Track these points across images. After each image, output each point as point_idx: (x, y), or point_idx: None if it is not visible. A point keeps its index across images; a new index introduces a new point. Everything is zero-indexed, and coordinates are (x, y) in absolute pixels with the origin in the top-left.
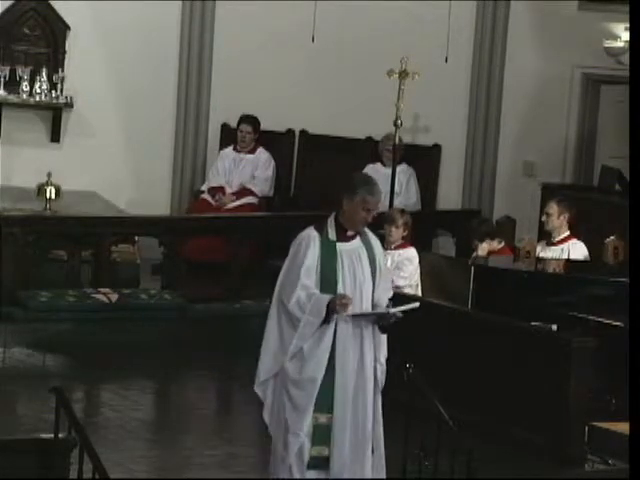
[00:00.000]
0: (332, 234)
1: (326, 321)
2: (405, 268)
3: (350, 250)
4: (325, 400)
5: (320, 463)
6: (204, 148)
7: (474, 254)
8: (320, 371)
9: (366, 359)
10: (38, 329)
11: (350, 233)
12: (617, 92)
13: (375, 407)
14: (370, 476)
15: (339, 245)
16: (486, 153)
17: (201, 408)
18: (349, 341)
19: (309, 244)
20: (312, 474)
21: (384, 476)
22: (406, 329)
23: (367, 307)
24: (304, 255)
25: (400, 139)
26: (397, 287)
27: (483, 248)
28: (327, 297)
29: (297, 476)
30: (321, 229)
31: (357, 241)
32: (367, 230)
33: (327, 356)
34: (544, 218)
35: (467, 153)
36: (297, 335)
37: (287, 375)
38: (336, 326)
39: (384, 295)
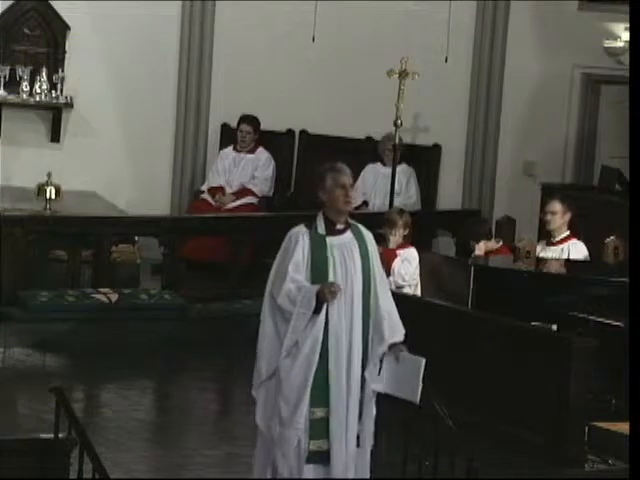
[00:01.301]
0: (321, 228)
1: (317, 311)
2: (406, 269)
3: (341, 244)
4: (320, 394)
5: (320, 458)
6: (204, 148)
7: (473, 254)
8: (313, 361)
9: (354, 350)
10: (38, 329)
11: (340, 227)
12: (617, 92)
13: (365, 401)
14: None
15: (329, 239)
16: (486, 153)
17: (201, 408)
18: (341, 333)
19: (298, 239)
20: (310, 469)
21: (367, 476)
22: (406, 329)
23: (358, 301)
24: (293, 250)
25: (400, 139)
26: (397, 287)
27: (480, 248)
28: (316, 287)
29: (295, 472)
30: (311, 226)
31: (348, 235)
32: (359, 224)
33: (319, 347)
34: (548, 217)
35: (467, 153)
36: (290, 329)
37: (280, 370)
38: (327, 317)
39: (389, 302)
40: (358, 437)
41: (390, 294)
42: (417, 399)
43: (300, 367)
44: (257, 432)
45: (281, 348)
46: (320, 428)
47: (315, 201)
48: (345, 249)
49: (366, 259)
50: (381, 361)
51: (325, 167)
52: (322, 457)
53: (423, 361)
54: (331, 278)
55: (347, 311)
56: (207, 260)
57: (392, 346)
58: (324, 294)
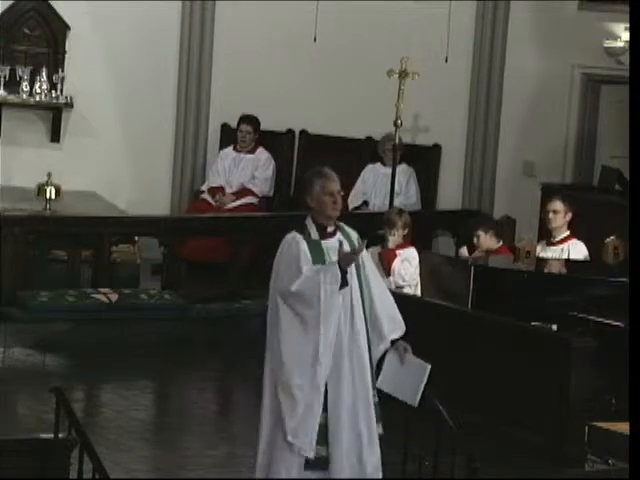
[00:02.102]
0: (314, 234)
1: (344, 284)
2: (406, 269)
3: (335, 246)
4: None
5: (319, 464)
6: (204, 148)
7: (462, 249)
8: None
9: (357, 353)
10: (38, 329)
11: (330, 229)
12: (617, 92)
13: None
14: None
15: (323, 243)
16: (486, 153)
17: (201, 408)
18: (343, 337)
19: (298, 244)
20: (308, 474)
21: (380, 476)
22: (406, 329)
23: (357, 301)
24: (297, 253)
25: (400, 139)
26: (397, 287)
27: (482, 241)
28: (333, 262)
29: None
30: (303, 231)
31: (338, 236)
32: (343, 224)
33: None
34: (550, 216)
35: (467, 153)
36: (323, 307)
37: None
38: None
39: (385, 297)
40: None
41: (387, 289)
42: (416, 403)
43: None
44: (258, 434)
45: (314, 343)
46: (320, 434)
47: None
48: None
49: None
50: (382, 358)
51: (312, 173)
52: (322, 464)
53: (429, 367)
54: None
55: (347, 314)
56: (207, 260)
57: (394, 342)
58: (348, 257)
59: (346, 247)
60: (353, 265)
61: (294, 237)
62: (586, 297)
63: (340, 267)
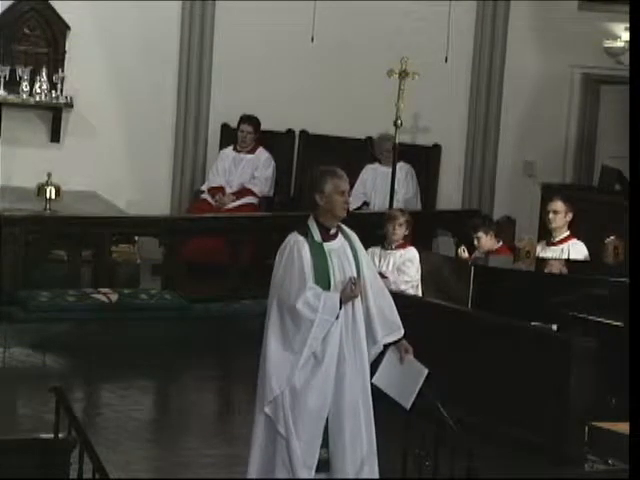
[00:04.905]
0: (317, 236)
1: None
2: (408, 270)
3: (337, 249)
4: None
5: (320, 466)
6: (204, 148)
7: (460, 249)
8: (331, 371)
9: (359, 355)
10: (38, 329)
11: (332, 232)
12: (617, 92)
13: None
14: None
15: (326, 245)
16: (486, 153)
17: (201, 408)
18: (346, 340)
19: (300, 248)
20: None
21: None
22: (406, 329)
23: (358, 303)
24: (300, 258)
25: (394, 139)
26: (398, 288)
27: (483, 242)
28: (337, 294)
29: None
30: (305, 233)
31: (340, 238)
32: (342, 225)
33: (336, 357)
34: (551, 216)
35: (467, 153)
36: (311, 336)
37: (295, 385)
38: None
39: (382, 299)
40: None
41: (386, 291)
42: (408, 406)
43: (321, 378)
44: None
45: (295, 359)
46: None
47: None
48: (341, 253)
49: (356, 260)
50: (382, 353)
51: (323, 171)
52: (322, 466)
53: (425, 372)
54: (332, 285)
55: (349, 317)
56: (207, 260)
57: (395, 342)
58: (347, 294)
59: (349, 253)
60: (354, 268)
61: (296, 240)
62: (586, 297)
63: (340, 300)
